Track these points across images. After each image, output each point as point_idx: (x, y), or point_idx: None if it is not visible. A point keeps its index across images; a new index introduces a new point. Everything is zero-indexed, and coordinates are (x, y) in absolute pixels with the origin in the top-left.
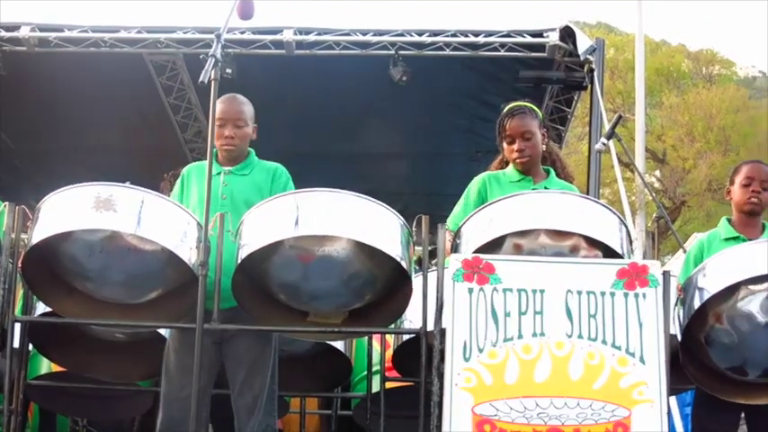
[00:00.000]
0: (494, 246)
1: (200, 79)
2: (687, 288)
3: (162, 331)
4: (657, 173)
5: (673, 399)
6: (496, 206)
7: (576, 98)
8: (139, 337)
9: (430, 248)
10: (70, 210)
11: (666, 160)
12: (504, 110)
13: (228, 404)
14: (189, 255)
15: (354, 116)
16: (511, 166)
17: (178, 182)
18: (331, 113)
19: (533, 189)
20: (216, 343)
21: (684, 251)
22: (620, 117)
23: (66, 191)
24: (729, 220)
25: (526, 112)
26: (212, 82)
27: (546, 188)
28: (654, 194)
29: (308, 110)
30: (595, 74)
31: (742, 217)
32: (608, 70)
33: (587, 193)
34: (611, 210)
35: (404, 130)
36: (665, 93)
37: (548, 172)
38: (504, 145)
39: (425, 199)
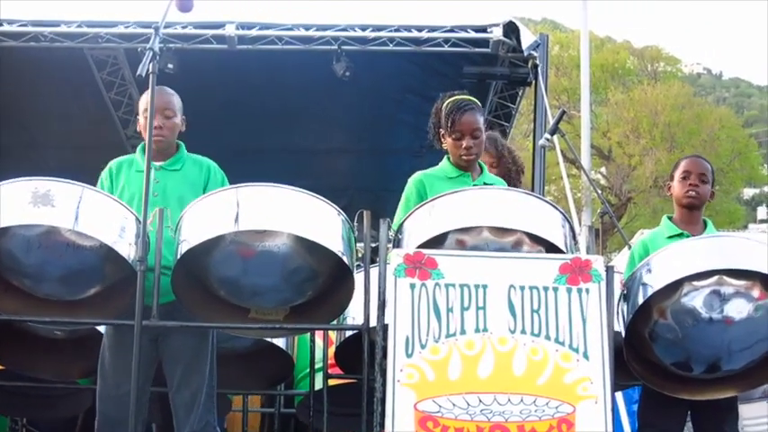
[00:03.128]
0: (436, 242)
1: (138, 72)
2: (631, 284)
3: (101, 328)
4: (603, 170)
5: (620, 395)
6: (439, 202)
7: (520, 94)
8: (78, 334)
9: (372, 244)
10: (7, 205)
11: (612, 157)
12: (449, 102)
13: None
14: (128, 250)
15: (298, 112)
16: (445, 161)
17: (104, 176)
18: (274, 109)
19: (473, 185)
20: (152, 339)
21: (630, 247)
22: (563, 112)
23: (2, 185)
24: (671, 218)
25: (475, 108)
26: (150, 75)
27: (485, 183)
28: (599, 191)
29: (251, 105)
30: (539, 70)
31: (683, 212)
32: (553, 67)
33: (532, 189)
34: (554, 206)
35: (348, 125)
36: (611, 89)
37: (481, 167)
38: (450, 140)
39: (370, 195)
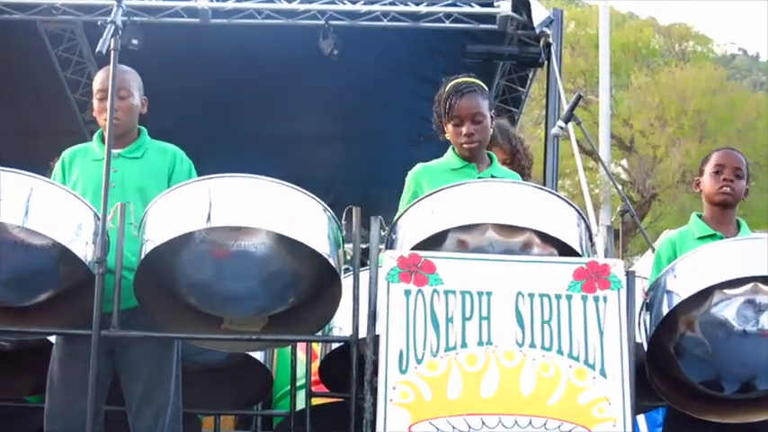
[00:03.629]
0: (434, 242)
1: (98, 49)
2: (654, 291)
3: (53, 338)
4: (624, 162)
5: (641, 418)
6: (438, 197)
7: (530, 76)
8: (28, 345)
9: (362, 245)
10: None
11: (634, 148)
12: (449, 86)
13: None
14: (85, 250)
15: (279, 95)
16: (450, 151)
17: (57, 169)
18: (252, 92)
19: (478, 177)
20: (108, 351)
21: (653, 250)
22: (579, 97)
23: None
24: (701, 217)
25: (477, 90)
26: (111, 53)
27: (492, 176)
28: (619, 186)
29: (225, 87)
30: (553, 49)
31: (714, 211)
32: (568, 46)
33: (543, 184)
34: (568, 202)
35: (335, 110)
36: (633, 72)
37: (491, 158)
38: (450, 127)
39: (360, 189)
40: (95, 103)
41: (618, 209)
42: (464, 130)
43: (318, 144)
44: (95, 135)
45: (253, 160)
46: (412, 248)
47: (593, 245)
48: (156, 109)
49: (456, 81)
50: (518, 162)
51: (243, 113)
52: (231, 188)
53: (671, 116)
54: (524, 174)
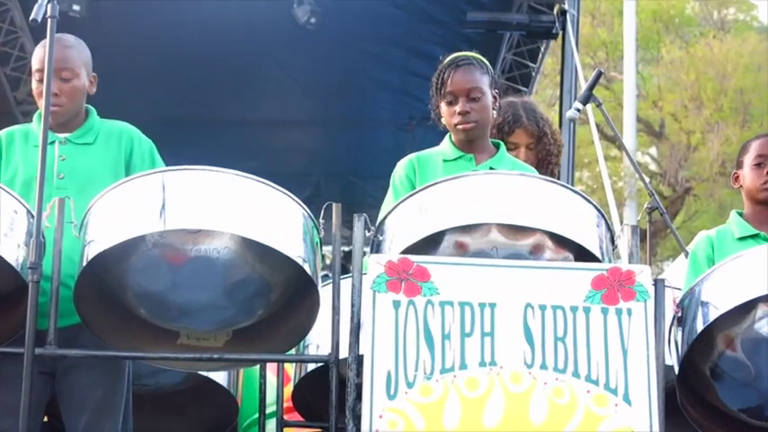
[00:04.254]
0: (429, 244)
1: (32, 16)
2: (688, 303)
3: None
4: (653, 150)
5: None
6: (432, 191)
7: (542, 50)
8: None
9: (344, 248)
10: None
11: (665, 134)
12: (445, 61)
13: None
14: (16, 254)
15: (246, 72)
16: (446, 139)
17: None
18: (215, 68)
19: (476, 170)
20: (45, 373)
21: (687, 255)
22: (599, 74)
23: None
24: (741, 215)
25: (473, 63)
26: (48, 20)
27: (492, 168)
28: (647, 179)
29: (184, 63)
30: (569, 17)
31: (757, 209)
32: (587, 14)
33: (557, 176)
34: (586, 198)
35: (312, 90)
36: (664, 44)
37: (497, 146)
38: (443, 106)
39: (342, 182)
40: (34, 83)
41: (645, 205)
42: (458, 108)
43: (293, 129)
44: (35, 116)
45: (216, 149)
46: (402, 252)
47: (615, 248)
48: (105, 88)
49: (454, 55)
50: (544, 147)
51: (205, 94)
52: (189, 183)
53: (708, 96)
54: (551, 161)
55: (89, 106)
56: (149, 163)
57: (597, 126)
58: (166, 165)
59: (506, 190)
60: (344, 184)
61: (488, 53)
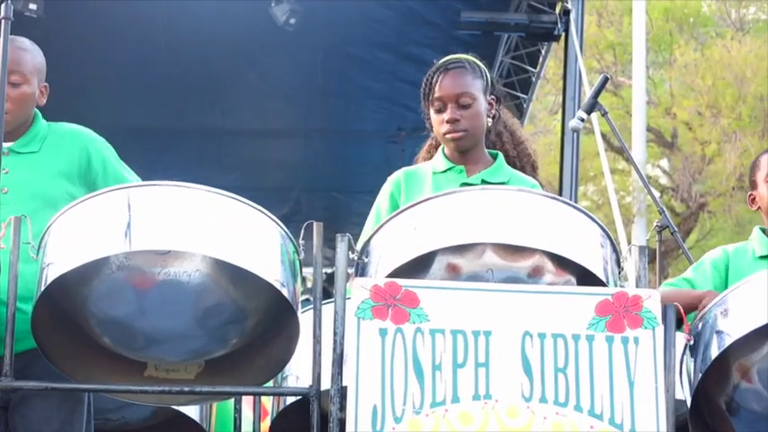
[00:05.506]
0: (418, 267)
1: None
2: (701, 329)
3: None
4: (665, 162)
5: None
6: (422, 209)
7: (543, 53)
8: None
9: (326, 271)
10: None
11: (678, 144)
12: (435, 65)
13: None
14: None
15: (221, 77)
16: (439, 152)
17: None
18: (186, 73)
19: (466, 183)
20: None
21: None
22: (606, 79)
23: None
24: (765, 231)
25: (466, 66)
26: (2, 22)
27: (484, 182)
28: (657, 194)
29: (152, 67)
30: (572, 17)
31: None
32: (593, 13)
33: (559, 191)
34: (590, 216)
35: (293, 97)
36: (678, 46)
37: (494, 157)
38: (432, 114)
39: (325, 198)
40: None
41: (655, 223)
42: (446, 115)
43: (271, 140)
44: None
45: (188, 161)
46: (389, 275)
47: (621, 271)
48: (64, 96)
49: (445, 58)
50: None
51: (176, 101)
52: (157, 200)
53: (725, 103)
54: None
55: (35, 110)
56: (113, 169)
57: (603, 136)
58: (134, 179)
59: (502, 206)
60: (327, 201)
61: (484, 57)
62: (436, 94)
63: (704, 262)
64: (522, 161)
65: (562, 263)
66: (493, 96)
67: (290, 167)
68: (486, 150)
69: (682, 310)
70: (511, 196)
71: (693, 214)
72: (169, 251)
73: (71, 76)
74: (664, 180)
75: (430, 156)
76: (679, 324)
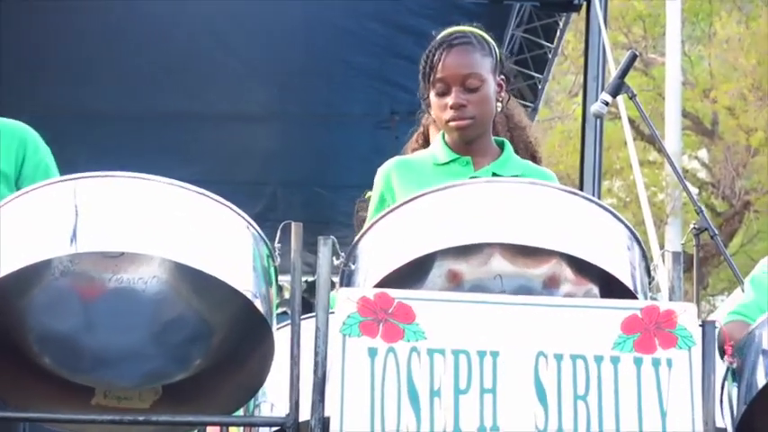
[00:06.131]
0: (414, 275)
1: None
2: (746, 351)
3: None
4: (703, 153)
5: None
6: (418, 205)
7: (561, 25)
8: None
9: (306, 279)
10: None
11: (719, 132)
12: (438, 36)
13: None
14: None
15: (185, 54)
16: (438, 139)
17: None
18: (145, 50)
19: (474, 176)
20: None
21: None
22: (634, 56)
23: None
24: None
25: (473, 41)
26: None
27: (495, 174)
28: (694, 191)
29: (107, 44)
30: None
31: None
32: None
33: (580, 186)
34: (615, 215)
35: (269, 76)
36: (719, 18)
37: (501, 146)
38: (433, 98)
39: (305, 194)
40: None
41: (692, 225)
42: (451, 99)
43: (243, 126)
44: None
45: (147, 150)
46: (379, 285)
47: (652, 280)
48: (12, 78)
49: (447, 31)
50: None
51: (133, 82)
52: (109, 194)
53: None
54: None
55: None
56: (43, 176)
57: (631, 122)
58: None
59: (513, 202)
60: (308, 197)
61: (492, 30)
62: (438, 75)
63: (764, 283)
64: (518, 151)
65: (582, 270)
66: (503, 77)
67: (264, 157)
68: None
69: (724, 329)
70: (523, 190)
71: (737, 214)
72: (122, 253)
73: (18, 59)
74: (702, 174)
75: (419, 146)
76: (721, 349)
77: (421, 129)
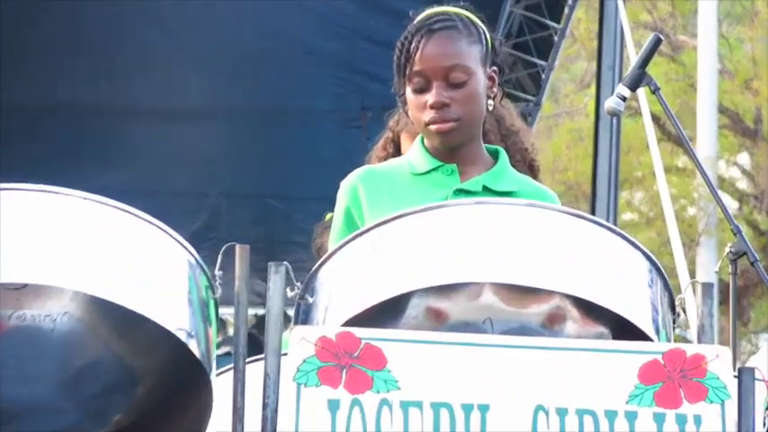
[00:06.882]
0: (387, 311)
1: None
2: None
3: None
4: (744, 158)
5: None
6: (391, 229)
7: (570, 1)
8: None
9: (256, 312)
10: None
11: (763, 133)
12: (416, 20)
13: None
14: None
15: (105, 33)
16: (417, 143)
17: None
18: (62, 31)
19: (461, 188)
20: None
21: None
22: (659, 40)
23: None
24: None
25: (458, 25)
26: None
27: (486, 188)
28: (733, 205)
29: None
30: None
31: None
32: None
33: (592, 199)
34: (632, 243)
35: (212, 63)
36: None
37: (495, 156)
38: (410, 95)
39: (256, 207)
40: None
41: (728, 248)
42: (431, 97)
43: (178, 124)
44: None
45: (60, 153)
46: (344, 323)
47: (676, 318)
48: None
49: (427, 13)
50: None
51: (48, 70)
52: (6, 211)
53: None
54: None
55: None
56: None
57: (656, 120)
58: None
59: (508, 228)
60: (259, 212)
61: (485, 8)
62: (416, 67)
63: None
64: (513, 161)
65: (591, 310)
66: (495, 68)
67: (204, 163)
68: (485, 145)
69: (764, 378)
70: (519, 213)
71: None
72: (25, 285)
73: None
74: (743, 184)
75: (387, 154)
76: None
77: (389, 134)
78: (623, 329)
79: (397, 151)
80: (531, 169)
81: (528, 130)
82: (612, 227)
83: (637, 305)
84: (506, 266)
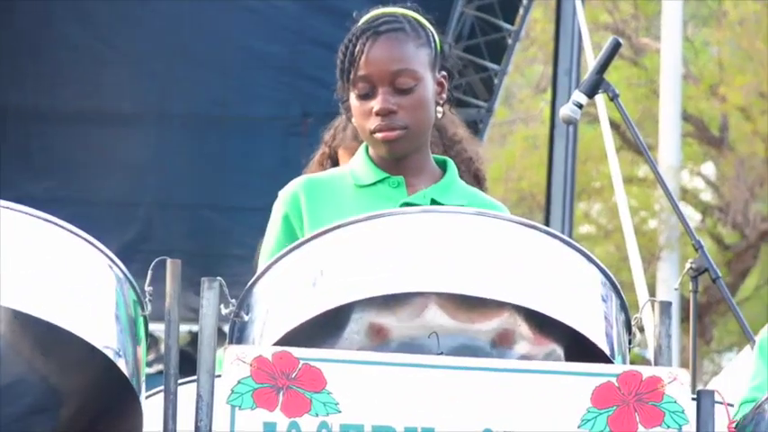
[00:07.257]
0: (325, 328)
1: None
2: (755, 426)
3: None
4: (709, 168)
5: None
6: (330, 241)
7: (525, 2)
8: None
9: (190, 328)
10: None
11: (729, 141)
12: (361, 21)
13: None
14: None
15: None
16: (361, 152)
17: None
18: None
19: (407, 202)
20: None
21: (754, 346)
22: (618, 44)
23: None
24: None
25: (405, 27)
26: None
27: (434, 201)
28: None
29: None
30: None
31: None
32: None
33: (546, 210)
34: (586, 255)
35: (142, 64)
36: None
37: (443, 167)
38: (354, 101)
39: (190, 218)
40: None
41: (688, 264)
42: (375, 103)
43: (108, 129)
44: None
45: None
46: (280, 341)
47: (632, 338)
48: None
49: (372, 14)
50: None
51: None
52: None
53: None
54: None
55: None
56: None
57: (615, 127)
58: None
59: (455, 238)
60: (193, 223)
61: (435, 9)
62: (361, 72)
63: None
64: (457, 170)
65: (543, 326)
66: (444, 73)
67: (135, 170)
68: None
69: (724, 401)
70: (468, 222)
71: (752, 247)
72: None
73: None
74: (707, 195)
75: (323, 169)
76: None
77: (325, 150)
78: (576, 349)
79: (336, 166)
80: (476, 179)
81: (472, 139)
82: (567, 239)
83: (590, 319)
84: (453, 276)
